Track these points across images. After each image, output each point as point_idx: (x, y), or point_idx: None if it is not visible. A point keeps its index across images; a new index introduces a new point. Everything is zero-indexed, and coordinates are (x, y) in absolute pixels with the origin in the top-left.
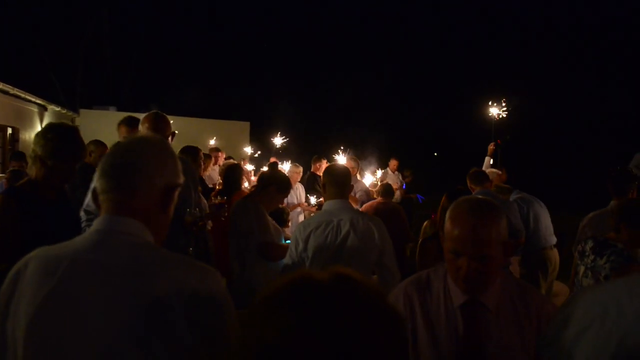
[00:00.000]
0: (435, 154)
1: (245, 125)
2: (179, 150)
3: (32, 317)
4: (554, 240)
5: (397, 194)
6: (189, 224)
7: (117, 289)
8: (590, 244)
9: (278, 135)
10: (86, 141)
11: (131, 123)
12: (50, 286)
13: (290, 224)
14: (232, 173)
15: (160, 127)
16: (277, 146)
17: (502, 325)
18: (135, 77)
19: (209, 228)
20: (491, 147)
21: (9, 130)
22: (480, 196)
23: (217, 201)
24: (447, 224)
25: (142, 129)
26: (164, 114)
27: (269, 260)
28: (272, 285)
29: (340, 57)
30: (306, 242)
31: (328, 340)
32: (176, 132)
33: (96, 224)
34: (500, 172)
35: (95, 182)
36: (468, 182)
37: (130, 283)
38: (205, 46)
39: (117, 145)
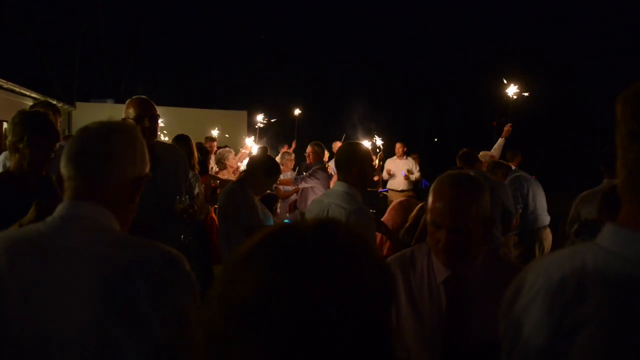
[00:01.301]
0: (436, 139)
1: (243, 115)
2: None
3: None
4: (549, 219)
5: (403, 181)
6: (178, 212)
7: (76, 271)
8: (575, 227)
9: (261, 115)
10: None
11: (47, 107)
12: (10, 270)
13: (278, 211)
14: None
15: (146, 108)
16: (260, 126)
17: (485, 301)
18: (132, 69)
19: (203, 216)
20: (507, 128)
21: (4, 125)
22: (463, 171)
23: (213, 185)
24: (429, 197)
25: (130, 112)
26: (149, 99)
27: None
28: (251, 239)
29: (340, 41)
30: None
31: (302, 294)
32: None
33: (59, 209)
34: (493, 155)
35: (62, 169)
36: (458, 162)
37: (89, 264)
38: (203, 37)
39: (85, 131)
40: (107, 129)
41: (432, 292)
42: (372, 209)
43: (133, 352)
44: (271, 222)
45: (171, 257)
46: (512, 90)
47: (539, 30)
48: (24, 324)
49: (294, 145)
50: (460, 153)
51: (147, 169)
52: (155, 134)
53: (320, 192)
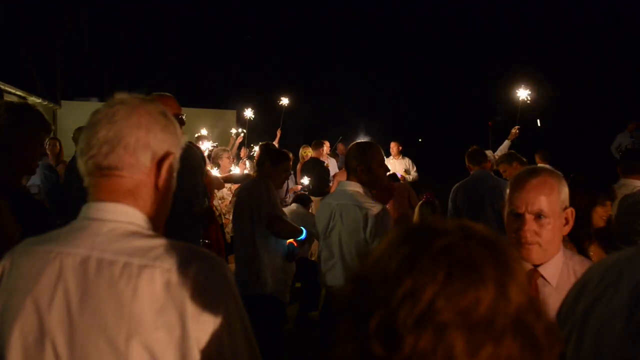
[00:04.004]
0: (420, 139)
1: (232, 114)
2: None
3: (22, 318)
4: None
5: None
6: (198, 215)
7: (110, 285)
8: None
9: (249, 110)
10: (69, 133)
11: None
12: (42, 285)
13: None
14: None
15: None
16: (249, 119)
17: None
18: (116, 67)
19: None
20: (514, 131)
21: None
22: (543, 166)
23: None
24: (509, 191)
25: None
26: (169, 94)
27: (276, 234)
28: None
29: (330, 40)
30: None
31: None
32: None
33: (83, 212)
34: (498, 154)
35: (78, 163)
36: (466, 161)
37: (124, 278)
38: (189, 34)
39: (94, 115)
40: (111, 108)
41: None
42: None
43: None
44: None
45: (213, 264)
46: (523, 93)
47: (535, 30)
48: (54, 339)
49: (278, 135)
50: (469, 150)
51: (176, 148)
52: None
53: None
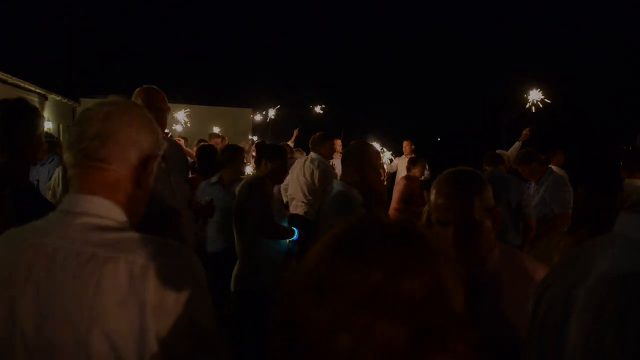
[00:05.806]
0: (439, 139)
1: (247, 112)
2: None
3: None
4: None
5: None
6: (202, 207)
7: (76, 276)
8: None
9: (274, 108)
10: None
11: None
12: (15, 276)
13: None
14: (207, 155)
15: (153, 99)
16: (272, 117)
17: (503, 302)
18: (135, 64)
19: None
20: (525, 132)
21: None
22: (461, 167)
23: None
24: (432, 196)
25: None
26: (155, 87)
27: (265, 236)
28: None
29: (343, 39)
30: None
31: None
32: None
33: (62, 203)
34: (509, 155)
35: (65, 155)
36: (483, 163)
37: (89, 269)
38: (207, 32)
39: (85, 112)
40: (107, 107)
41: None
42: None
43: None
44: (285, 222)
45: (180, 257)
46: (535, 95)
47: (553, 29)
48: (24, 329)
49: (295, 135)
50: (489, 153)
51: (158, 150)
52: (162, 127)
53: None
